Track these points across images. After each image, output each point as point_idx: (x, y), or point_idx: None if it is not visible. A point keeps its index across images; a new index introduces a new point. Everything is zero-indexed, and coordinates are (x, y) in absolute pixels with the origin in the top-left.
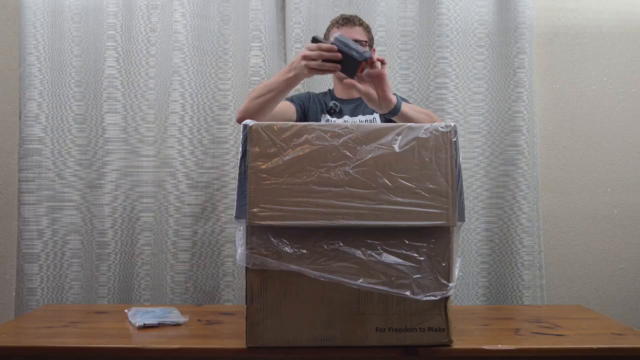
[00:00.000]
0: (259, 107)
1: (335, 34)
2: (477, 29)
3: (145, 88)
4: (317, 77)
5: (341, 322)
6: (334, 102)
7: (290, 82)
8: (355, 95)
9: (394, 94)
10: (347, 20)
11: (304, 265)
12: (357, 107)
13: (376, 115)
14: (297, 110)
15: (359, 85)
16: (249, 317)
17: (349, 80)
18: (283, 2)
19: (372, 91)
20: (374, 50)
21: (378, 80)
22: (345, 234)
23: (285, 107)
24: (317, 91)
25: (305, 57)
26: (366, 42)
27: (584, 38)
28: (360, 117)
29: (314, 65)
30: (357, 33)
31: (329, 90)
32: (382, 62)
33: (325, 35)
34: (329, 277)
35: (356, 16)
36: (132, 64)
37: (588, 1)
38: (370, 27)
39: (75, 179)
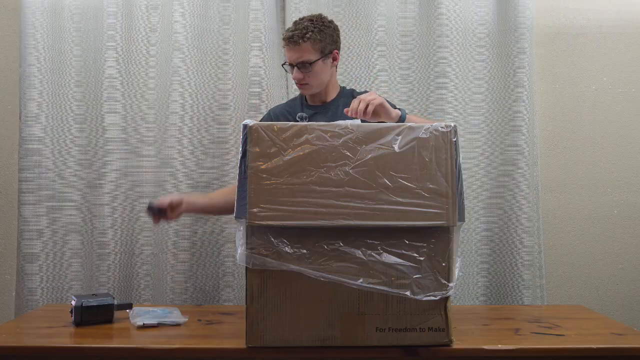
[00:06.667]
0: None
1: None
2: (477, 29)
3: (145, 88)
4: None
5: (341, 322)
6: (300, 114)
7: None
8: (329, 99)
9: (399, 108)
10: (289, 40)
11: (304, 265)
12: (334, 113)
13: (358, 122)
14: None
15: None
16: (249, 317)
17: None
18: (283, 2)
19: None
20: (338, 53)
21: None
22: (345, 234)
23: None
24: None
25: None
26: (313, 61)
27: (584, 38)
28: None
29: None
30: (305, 51)
31: (300, 95)
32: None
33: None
34: (329, 277)
35: (303, 28)
36: (132, 64)
37: (588, 1)
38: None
39: (75, 179)
